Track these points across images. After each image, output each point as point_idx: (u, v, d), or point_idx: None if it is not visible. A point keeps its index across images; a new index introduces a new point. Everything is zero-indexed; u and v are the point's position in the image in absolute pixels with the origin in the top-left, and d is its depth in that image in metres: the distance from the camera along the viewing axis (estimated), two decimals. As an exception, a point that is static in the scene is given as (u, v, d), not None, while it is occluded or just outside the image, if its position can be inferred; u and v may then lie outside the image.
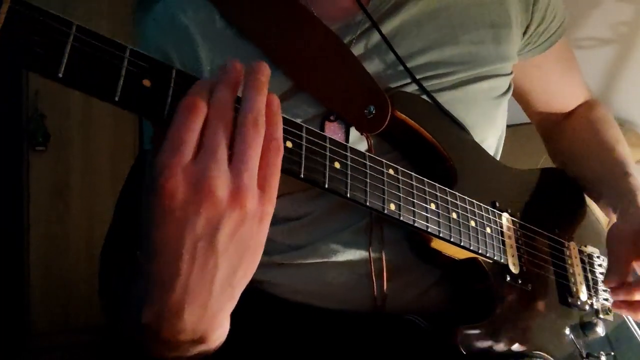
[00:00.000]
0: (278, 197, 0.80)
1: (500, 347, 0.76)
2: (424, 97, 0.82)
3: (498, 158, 0.96)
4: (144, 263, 0.49)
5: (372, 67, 0.81)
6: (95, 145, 2.31)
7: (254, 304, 0.84)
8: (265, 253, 0.82)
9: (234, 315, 0.81)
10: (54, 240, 2.22)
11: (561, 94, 1.09)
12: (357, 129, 0.78)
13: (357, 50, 0.82)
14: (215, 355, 0.75)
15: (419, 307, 0.81)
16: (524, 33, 0.92)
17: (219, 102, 0.50)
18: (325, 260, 0.80)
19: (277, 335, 0.80)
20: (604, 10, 1.50)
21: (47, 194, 2.22)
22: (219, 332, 0.55)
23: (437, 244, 0.77)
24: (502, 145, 0.97)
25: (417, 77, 0.82)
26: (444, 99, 0.82)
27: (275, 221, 0.82)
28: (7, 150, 2.07)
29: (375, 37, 0.82)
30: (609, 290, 0.89)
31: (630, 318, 0.93)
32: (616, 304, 0.87)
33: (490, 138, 0.91)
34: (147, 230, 0.48)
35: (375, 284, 0.79)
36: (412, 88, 0.82)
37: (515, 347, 0.78)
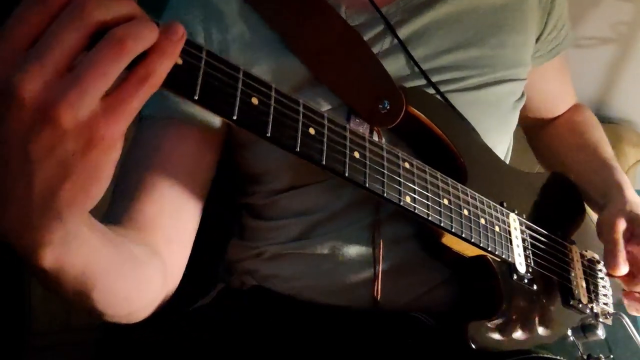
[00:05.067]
0: (296, 188, 0.83)
1: (506, 344, 0.77)
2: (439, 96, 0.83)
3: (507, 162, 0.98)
4: None
5: (394, 64, 0.82)
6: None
7: (258, 302, 0.85)
8: (278, 242, 0.85)
9: (239, 313, 0.82)
10: (55, 238, 2.17)
11: (555, 101, 1.12)
12: (369, 122, 0.79)
13: (380, 46, 0.83)
14: (223, 350, 0.76)
15: (422, 306, 0.81)
16: (537, 40, 0.95)
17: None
18: (334, 252, 0.81)
19: (283, 333, 0.80)
20: (604, 9, 1.49)
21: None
22: (53, 254, 0.49)
23: (447, 240, 0.77)
24: (510, 152, 0.99)
25: (441, 77, 0.83)
26: (465, 99, 0.84)
27: (294, 214, 0.84)
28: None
29: (400, 34, 0.83)
30: (615, 282, 0.89)
31: (628, 321, 0.94)
32: (631, 295, 0.87)
33: (503, 144, 0.93)
34: None
35: (377, 280, 0.80)
36: (431, 87, 0.83)
37: (520, 345, 0.78)
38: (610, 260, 0.85)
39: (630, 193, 0.92)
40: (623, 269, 0.84)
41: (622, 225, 0.86)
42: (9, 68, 0.40)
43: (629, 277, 0.86)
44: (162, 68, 0.44)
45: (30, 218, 0.45)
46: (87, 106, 0.41)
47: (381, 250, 0.80)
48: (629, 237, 0.86)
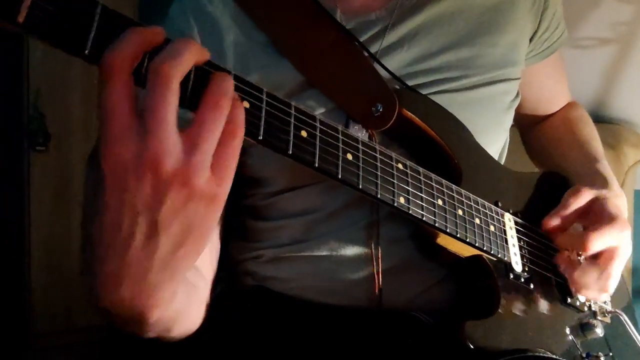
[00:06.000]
0: (294, 190, 0.83)
1: (503, 343, 0.77)
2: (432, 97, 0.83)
3: (502, 163, 0.98)
4: (87, 227, 0.48)
5: (387, 65, 0.83)
6: (97, 145, 2.27)
7: (260, 302, 0.85)
8: (276, 246, 0.85)
9: (240, 314, 0.83)
10: (55, 239, 2.16)
11: (550, 100, 1.12)
12: (363, 126, 0.79)
13: (374, 47, 0.84)
14: (225, 350, 0.77)
15: (419, 305, 0.82)
16: (530, 40, 0.95)
17: (168, 66, 0.44)
18: (332, 253, 0.82)
19: (283, 333, 0.81)
20: (604, 10, 1.49)
21: (48, 193, 2.17)
22: (161, 313, 0.53)
23: (442, 240, 0.78)
24: (505, 152, 0.99)
25: (435, 77, 0.84)
26: (458, 100, 0.84)
27: (292, 215, 0.85)
28: (8, 150, 2.05)
29: (391, 37, 0.84)
30: (547, 230, 0.86)
31: (627, 319, 0.94)
32: (560, 257, 0.85)
33: (497, 143, 0.93)
34: (92, 194, 0.46)
35: (375, 280, 0.81)
36: (426, 88, 0.84)
37: (518, 344, 0.78)
38: (550, 214, 0.85)
39: (614, 185, 0.92)
40: (554, 223, 0.84)
41: (585, 195, 0.85)
42: (129, 144, 0.43)
43: (561, 235, 0.85)
44: (239, 120, 0.49)
45: (146, 285, 0.49)
46: (207, 167, 0.46)
47: (380, 250, 0.81)
48: (584, 212, 0.85)
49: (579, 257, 0.82)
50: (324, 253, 0.82)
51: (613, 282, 0.84)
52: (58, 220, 2.23)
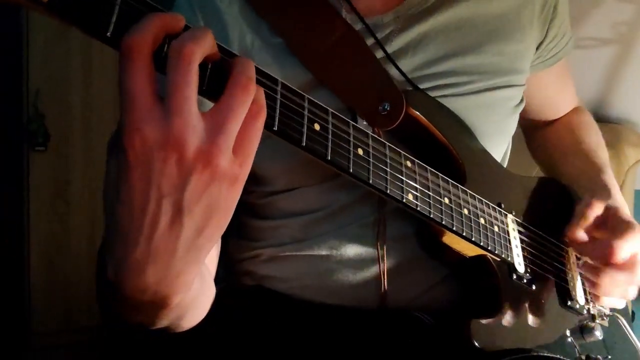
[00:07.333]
0: (294, 189, 0.83)
1: (507, 342, 0.77)
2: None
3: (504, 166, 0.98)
4: (110, 213, 0.47)
5: (394, 68, 0.83)
6: (96, 145, 2.29)
7: (260, 302, 0.85)
8: (276, 245, 0.85)
9: (241, 312, 0.83)
10: (54, 239, 2.19)
11: (555, 106, 1.13)
12: (369, 124, 0.79)
13: (379, 51, 0.83)
14: (226, 350, 0.77)
15: (421, 305, 0.82)
16: (537, 48, 0.95)
17: (190, 49, 0.45)
18: (333, 253, 0.82)
19: (282, 333, 0.81)
20: (605, 10, 1.50)
21: (48, 194, 2.19)
22: (181, 298, 0.52)
23: (448, 239, 0.78)
24: (507, 157, 1.00)
25: (439, 82, 0.84)
26: (463, 104, 0.84)
27: (291, 214, 0.85)
28: (8, 150, 2.05)
29: (398, 42, 0.84)
30: (571, 242, 0.89)
31: (625, 322, 0.95)
32: (587, 266, 0.86)
33: (499, 148, 0.94)
34: (116, 179, 0.46)
35: (377, 280, 0.81)
36: (429, 92, 0.84)
37: (521, 343, 0.79)
38: (570, 227, 0.87)
39: (617, 195, 0.93)
40: (580, 235, 0.86)
41: (597, 207, 0.87)
42: (153, 125, 0.43)
43: (582, 245, 0.87)
44: (263, 101, 0.49)
45: (171, 269, 0.48)
46: (230, 148, 0.46)
47: (385, 249, 0.81)
48: (600, 223, 0.87)
49: (602, 265, 0.84)
50: (324, 252, 0.82)
51: (635, 288, 0.86)
52: (57, 219, 2.25)
